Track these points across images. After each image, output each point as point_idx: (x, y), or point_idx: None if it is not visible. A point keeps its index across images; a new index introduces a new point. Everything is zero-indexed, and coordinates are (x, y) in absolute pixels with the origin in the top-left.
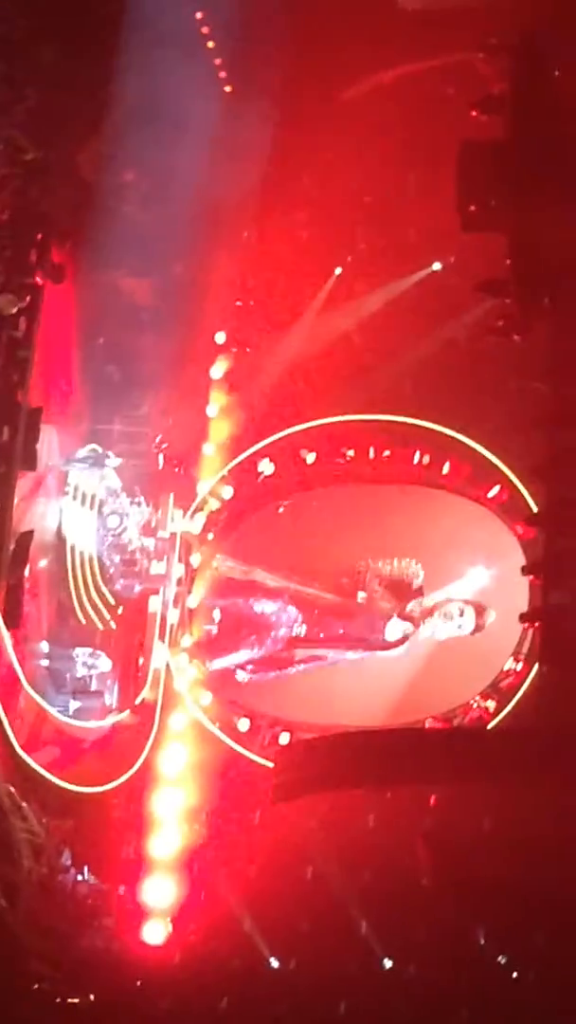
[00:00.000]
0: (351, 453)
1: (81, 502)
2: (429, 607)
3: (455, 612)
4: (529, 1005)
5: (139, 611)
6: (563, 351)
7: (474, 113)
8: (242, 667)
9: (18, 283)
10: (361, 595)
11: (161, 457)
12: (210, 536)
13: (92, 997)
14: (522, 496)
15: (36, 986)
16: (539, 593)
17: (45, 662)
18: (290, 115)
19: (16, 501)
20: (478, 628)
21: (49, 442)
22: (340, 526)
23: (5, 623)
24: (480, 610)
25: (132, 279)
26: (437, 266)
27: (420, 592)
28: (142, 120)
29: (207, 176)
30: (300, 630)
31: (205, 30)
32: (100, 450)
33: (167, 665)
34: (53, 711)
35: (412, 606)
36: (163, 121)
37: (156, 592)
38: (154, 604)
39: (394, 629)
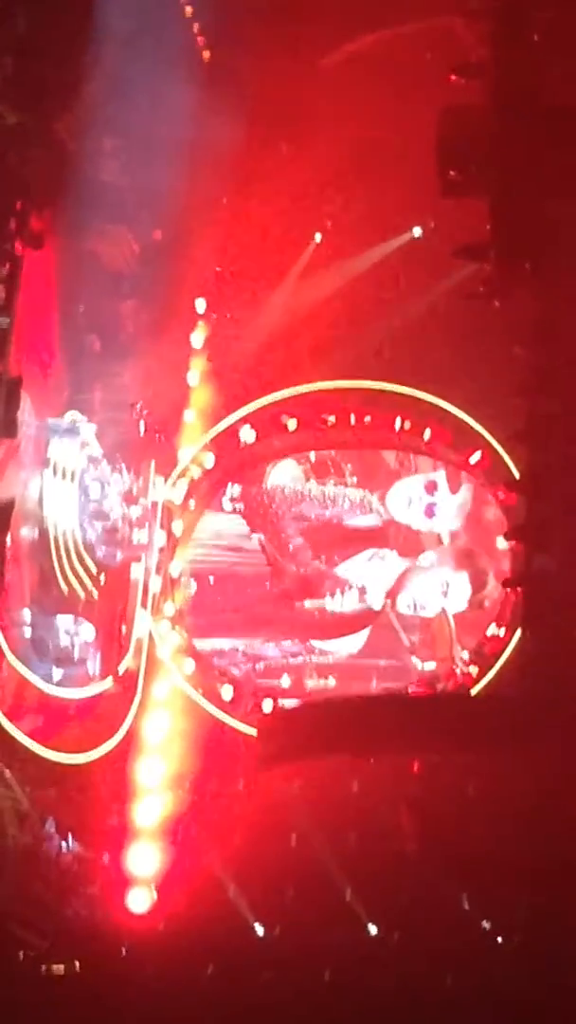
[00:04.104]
0: (332, 419)
1: (62, 471)
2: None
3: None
4: (513, 970)
5: (121, 579)
6: (544, 316)
7: (454, 78)
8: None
9: None
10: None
11: (142, 425)
12: (192, 504)
13: (77, 965)
14: (504, 462)
15: (21, 954)
16: (521, 559)
17: (27, 630)
18: (269, 80)
19: None
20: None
21: (25, 409)
22: None
23: None
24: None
25: (112, 246)
26: (417, 232)
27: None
28: (121, 86)
29: (186, 143)
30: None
31: None
32: (77, 417)
33: (150, 633)
34: (36, 679)
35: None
36: (142, 87)
37: (138, 560)
38: (136, 572)
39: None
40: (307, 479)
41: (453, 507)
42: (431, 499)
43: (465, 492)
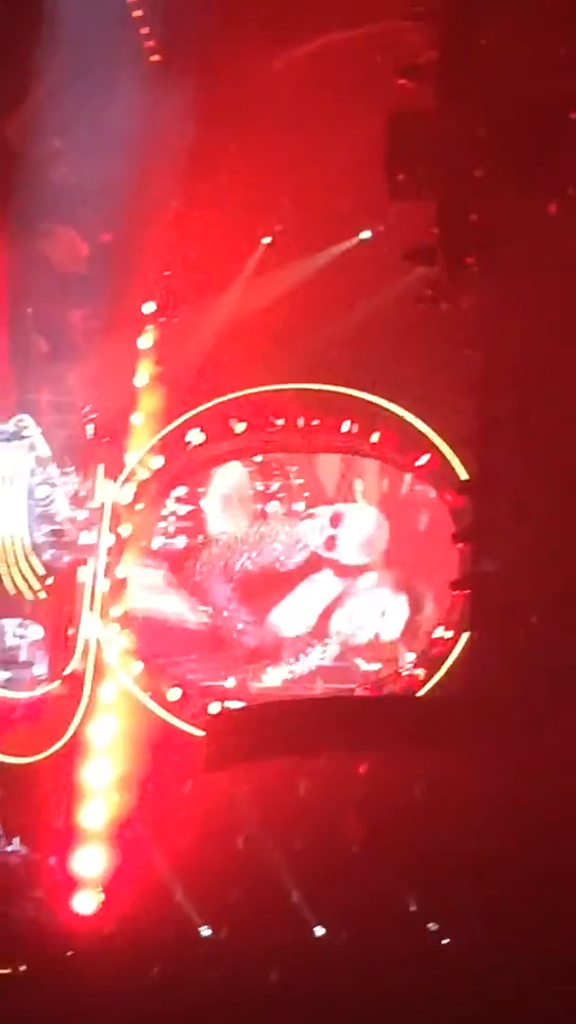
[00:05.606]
0: (280, 422)
1: (8, 476)
2: None
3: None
4: (459, 970)
5: (69, 582)
6: (490, 318)
7: (401, 81)
8: None
9: None
10: None
11: (90, 427)
12: (139, 506)
13: (23, 968)
14: (451, 464)
15: None
16: (468, 561)
17: None
18: (217, 84)
19: None
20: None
21: None
22: None
23: None
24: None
25: (60, 248)
26: (366, 235)
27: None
28: (70, 87)
29: (135, 145)
30: None
31: None
32: (24, 420)
33: (97, 635)
34: None
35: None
36: (90, 88)
37: (85, 562)
38: (83, 574)
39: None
40: (252, 481)
41: (355, 542)
42: (332, 531)
43: (375, 528)
